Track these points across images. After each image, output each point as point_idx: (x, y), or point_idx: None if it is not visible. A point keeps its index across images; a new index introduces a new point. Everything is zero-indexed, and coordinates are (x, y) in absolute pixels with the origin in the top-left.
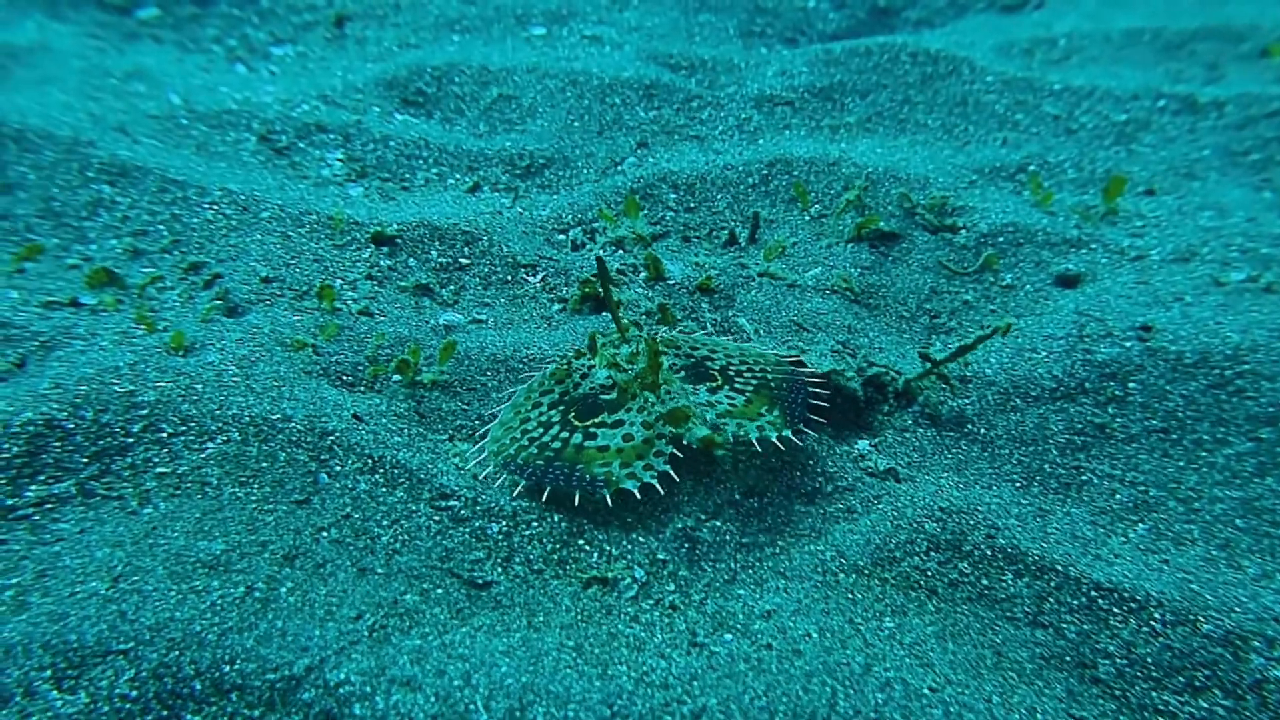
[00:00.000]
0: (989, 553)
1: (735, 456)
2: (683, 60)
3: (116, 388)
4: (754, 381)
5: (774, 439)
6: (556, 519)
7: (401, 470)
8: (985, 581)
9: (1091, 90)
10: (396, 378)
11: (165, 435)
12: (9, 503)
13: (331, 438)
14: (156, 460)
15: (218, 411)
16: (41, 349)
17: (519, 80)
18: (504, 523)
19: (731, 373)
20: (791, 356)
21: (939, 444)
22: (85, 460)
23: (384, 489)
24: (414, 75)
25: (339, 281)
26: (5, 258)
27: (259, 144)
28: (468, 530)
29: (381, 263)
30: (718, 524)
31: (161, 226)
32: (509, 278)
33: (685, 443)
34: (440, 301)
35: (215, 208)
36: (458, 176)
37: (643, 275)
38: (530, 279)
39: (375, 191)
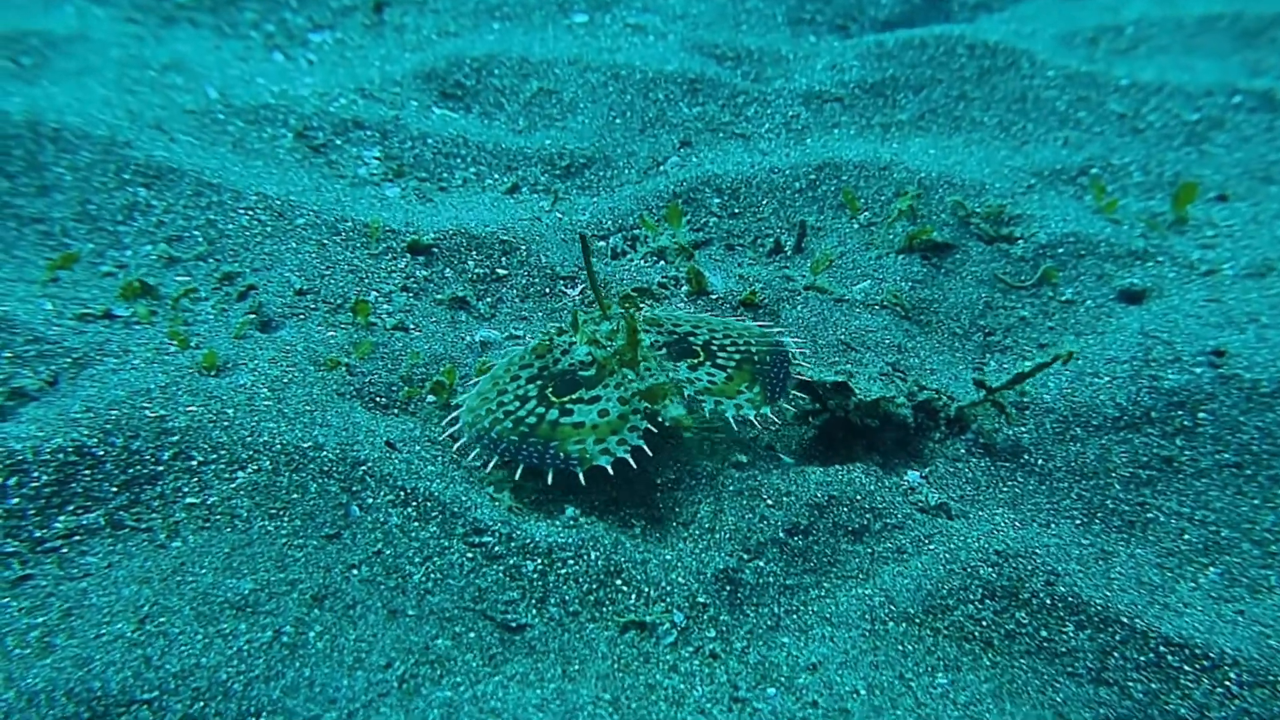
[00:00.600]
0: (1048, 601)
1: (711, 441)
2: (729, 51)
3: (148, 412)
4: (737, 356)
5: (752, 417)
6: (593, 556)
7: (435, 503)
8: (1044, 633)
9: (1160, 86)
10: (431, 399)
11: (195, 463)
12: (38, 534)
13: (364, 468)
14: (186, 490)
15: (249, 438)
16: (74, 366)
17: (560, 73)
18: (539, 560)
19: (714, 348)
20: (776, 329)
21: (993, 476)
22: (114, 489)
23: (416, 523)
24: (453, 67)
25: (374, 294)
26: (40, 264)
27: (296, 141)
28: (501, 568)
29: (418, 273)
30: (760, 564)
31: (196, 232)
32: (547, 290)
33: (660, 420)
34: (477, 315)
35: (250, 213)
36: (496, 176)
37: (685, 289)
38: (569, 292)
39: (412, 192)
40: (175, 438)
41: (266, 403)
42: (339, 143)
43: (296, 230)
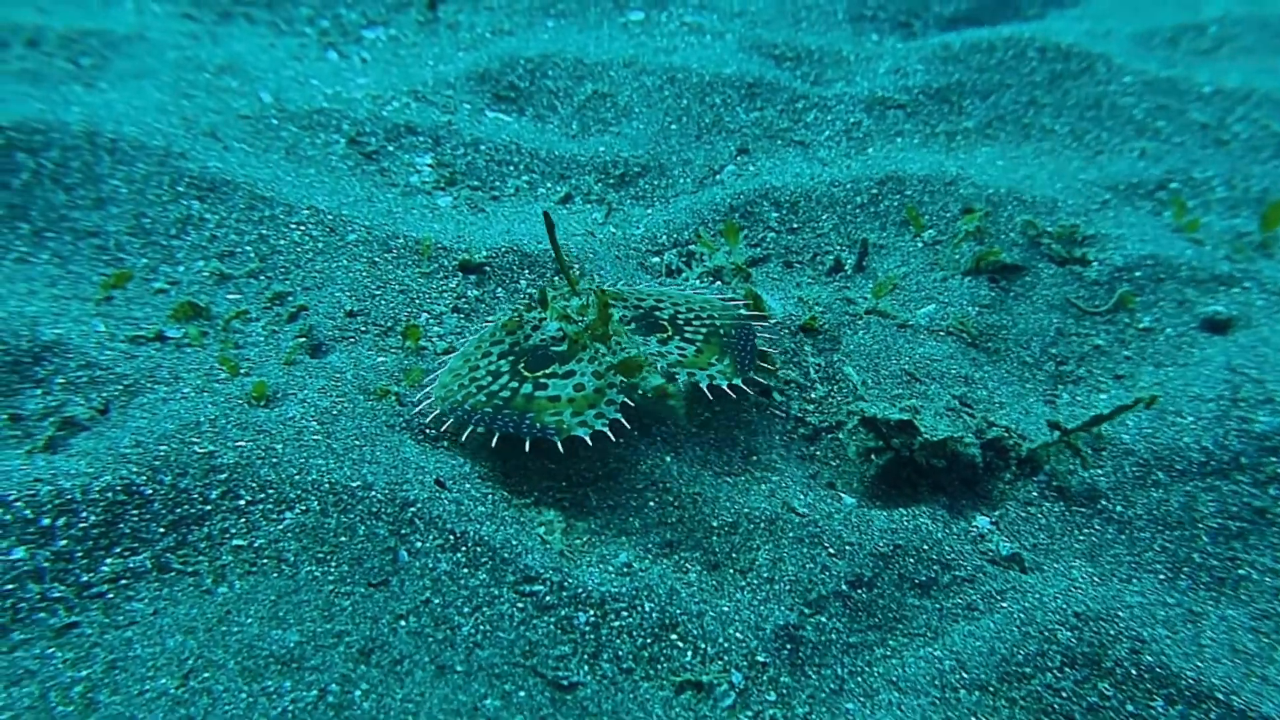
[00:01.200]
0: (1134, 671)
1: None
2: (788, 51)
3: (197, 447)
4: (704, 330)
5: (724, 386)
6: (648, 608)
7: (485, 548)
8: (1131, 708)
9: (1247, 93)
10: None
11: (243, 503)
12: (84, 579)
13: (413, 509)
14: (233, 531)
15: (297, 477)
16: (125, 393)
17: (615, 76)
18: (591, 612)
19: (680, 322)
20: (738, 300)
21: (1069, 523)
22: (162, 530)
23: (466, 570)
24: (507, 68)
25: (425, 315)
26: (94, 280)
27: (348, 147)
28: (553, 620)
29: (469, 293)
30: (823, 619)
31: (248, 248)
32: None
33: (640, 393)
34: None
35: (302, 229)
36: (549, 185)
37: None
38: None
39: (464, 202)
40: (223, 475)
41: (315, 437)
42: (391, 149)
43: (348, 247)
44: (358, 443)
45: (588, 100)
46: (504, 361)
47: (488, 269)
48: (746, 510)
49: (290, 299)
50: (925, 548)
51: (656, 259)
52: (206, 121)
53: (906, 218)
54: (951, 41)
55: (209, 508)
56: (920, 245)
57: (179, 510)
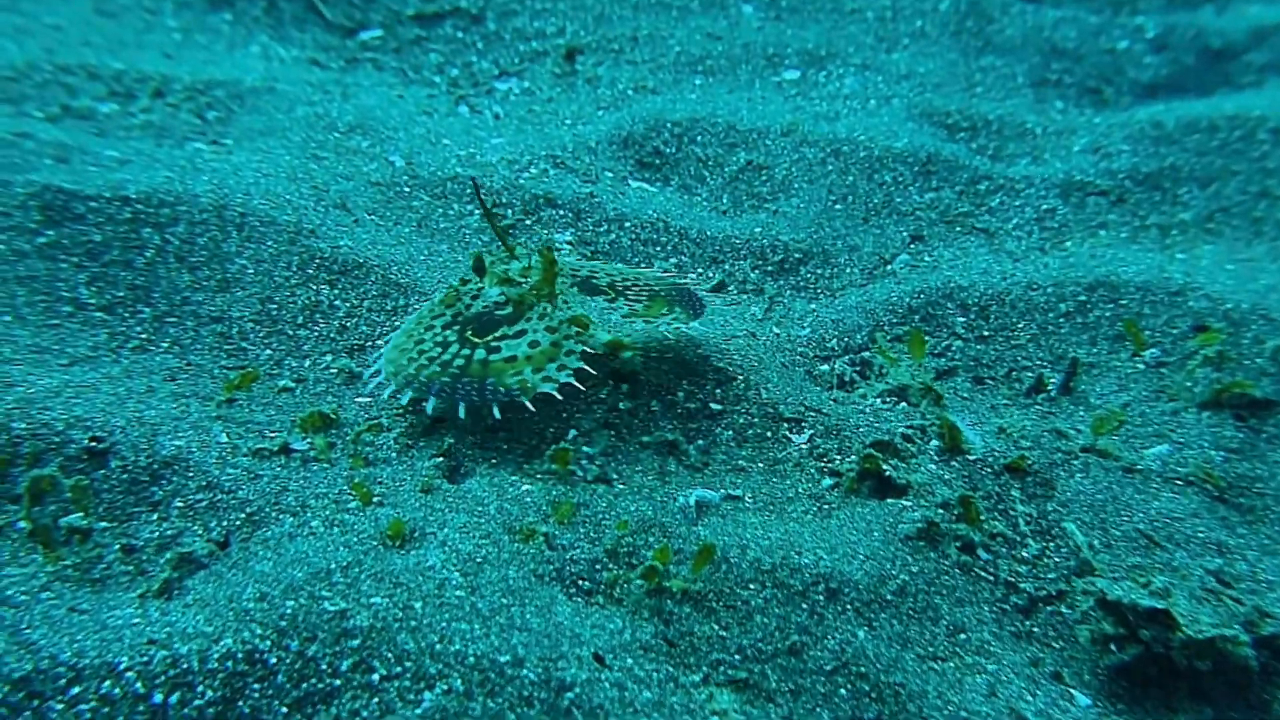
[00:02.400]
0: None
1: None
2: (962, 120)
3: (328, 604)
4: (645, 294)
5: (685, 329)
6: None
7: None
8: None
9: None
10: (640, 583)
11: (377, 679)
12: None
13: (570, 695)
14: (365, 715)
15: (439, 646)
16: (248, 524)
17: (771, 146)
18: None
19: (620, 288)
20: (670, 272)
21: None
22: (285, 709)
23: None
24: (652, 132)
25: (573, 431)
26: (215, 373)
27: (483, 220)
28: None
29: (620, 405)
30: None
31: (381, 342)
32: (768, 434)
33: (593, 348)
34: (688, 465)
35: None
36: (700, 270)
37: (933, 444)
38: (794, 438)
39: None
40: (356, 641)
41: (458, 593)
42: (529, 223)
43: None
44: (505, 601)
45: (740, 171)
46: (449, 332)
47: (642, 377)
48: (964, 715)
49: (425, 407)
50: None
51: (824, 366)
52: (337, 190)
53: (1123, 332)
54: (1162, 118)
55: (338, 682)
56: (1142, 367)
57: (305, 685)
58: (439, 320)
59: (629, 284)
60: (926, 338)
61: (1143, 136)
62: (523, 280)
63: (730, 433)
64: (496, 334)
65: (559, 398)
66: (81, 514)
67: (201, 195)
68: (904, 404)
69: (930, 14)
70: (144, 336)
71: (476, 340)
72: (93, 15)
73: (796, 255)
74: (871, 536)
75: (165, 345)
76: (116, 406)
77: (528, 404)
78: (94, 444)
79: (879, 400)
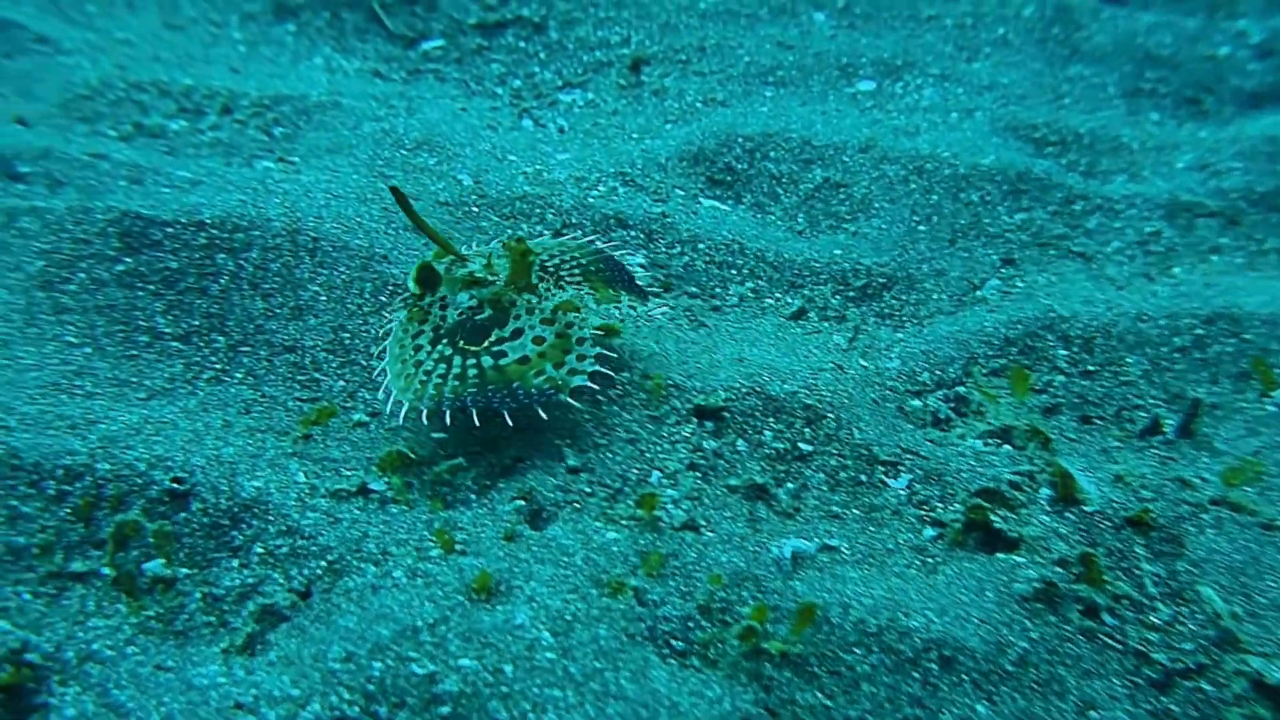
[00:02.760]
0: None
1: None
2: (1051, 134)
3: (416, 666)
4: (577, 271)
5: (655, 313)
6: None
7: None
8: None
9: None
10: (736, 644)
11: None
12: None
13: None
14: None
15: (531, 715)
16: (330, 573)
17: (849, 162)
18: None
19: (552, 268)
20: (582, 238)
21: None
22: None
23: None
24: (723, 147)
25: (657, 473)
26: (290, 405)
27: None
28: None
29: (705, 445)
30: None
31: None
32: (863, 477)
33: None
34: (779, 511)
35: None
36: (778, 295)
37: (1045, 492)
38: (891, 483)
39: (683, 314)
40: (447, 709)
41: (549, 655)
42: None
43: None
44: (598, 664)
45: (817, 189)
46: (441, 347)
47: (726, 414)
48: None
49: (501, 446)
50: None
51: (917, 402)
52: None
53: (1248, 369)
54: (1277, 133)
55: None
56: (1272, 409)
57: None
58: (421, 338)
59: (559, 262)
60: (1028, 372)
61: (1256, 153)
62: (491, 278)
63: (822, 475)
64: (491, 340)
65: (595, 387)
66: (164, 560)
67: (274, 219)
68: (1008, 446)
69: (1013, 21)
70: (219, 367)
71: (472, 349)
72: (162, 29)
73: (880, 280)
74: (984, 597)
75: (240, 376)
76: (195, 444)
77: (569, 399)
78: (176, 485)
79: (980, 442)
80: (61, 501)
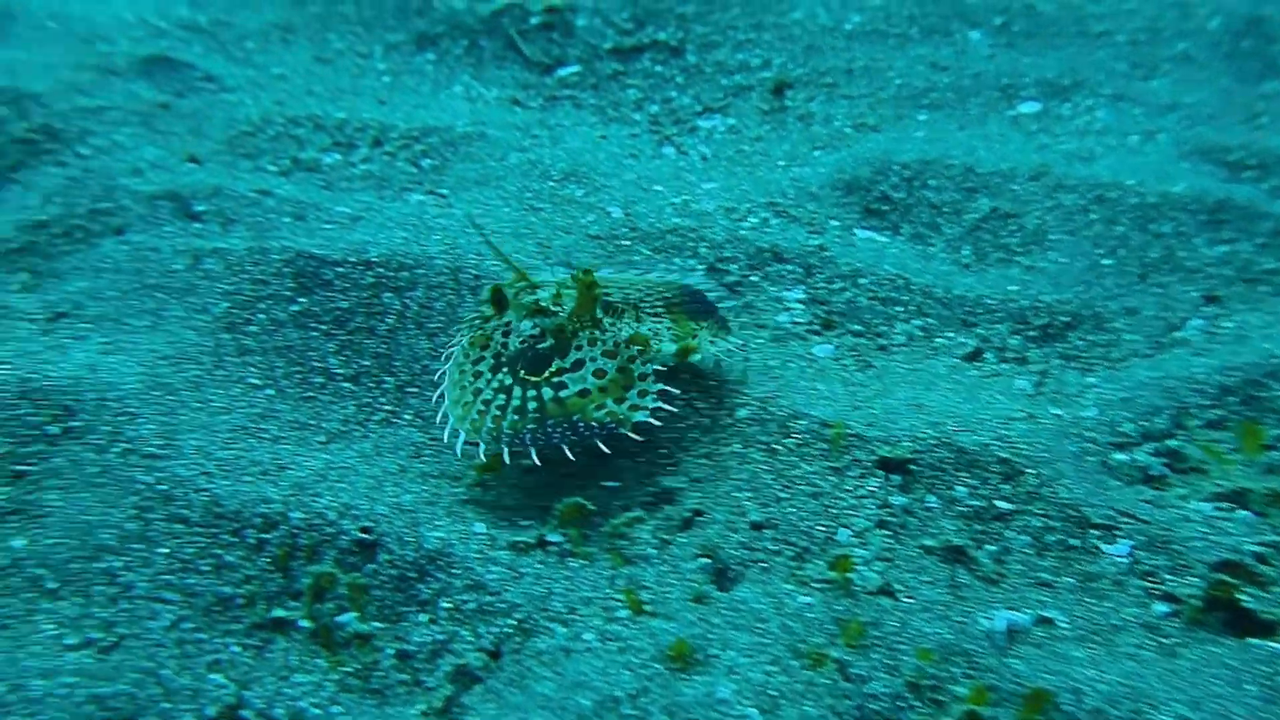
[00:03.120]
0: None
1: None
2: (1248, 156)
3: None
4: (659, 304)
5: (732, 348)
6: None
7: None
8: None
9: None
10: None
11: None
12: None
13: None
14: None
15: None
16: (519, 633)
17: (1019, 191)
18: None
19: (634, 301)
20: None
21: None
22: None
23: None
24: (878, 175)
25: (844, 530)
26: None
27: (707, 276)
28: None
29: (893, 500)
30: None
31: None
32: (1073, 542)
33: (662, 363)
34: (981, 575)
35: (685, 400)
36: (949, 335)
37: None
38: (1107, 549)
39: (848, 354)
40: None
41: None
42: (755, 279)
43: (738, 426)
44: None
45: (983, 220)
46: (501, 376)
47: (914, 467)
48: None
49: (679, 497)
50: None
51: (1121, 455)
52: (560, 245)
53: None
54: None
55: None
56: None
57: None
58: (482, 364)
59: (639, 293)
60: (1260, 428)
61: None
62: (556, 309)
63: (1026, 538)
64: (552, 370)
65: (656, 424)
66: (357, 614)
67: (436, 257)
68: (1245, 511)
69: (1196, 34)
70: (388, 409)
71: (533, 379)
72: (313, 63)
73: (1063, 319)
74: (1243, 690)
75: (408, 418)
76: (375, 490)
77: (630, 434)
78: (364, 535)
79: (1209, 505)
80: (261, 551)
